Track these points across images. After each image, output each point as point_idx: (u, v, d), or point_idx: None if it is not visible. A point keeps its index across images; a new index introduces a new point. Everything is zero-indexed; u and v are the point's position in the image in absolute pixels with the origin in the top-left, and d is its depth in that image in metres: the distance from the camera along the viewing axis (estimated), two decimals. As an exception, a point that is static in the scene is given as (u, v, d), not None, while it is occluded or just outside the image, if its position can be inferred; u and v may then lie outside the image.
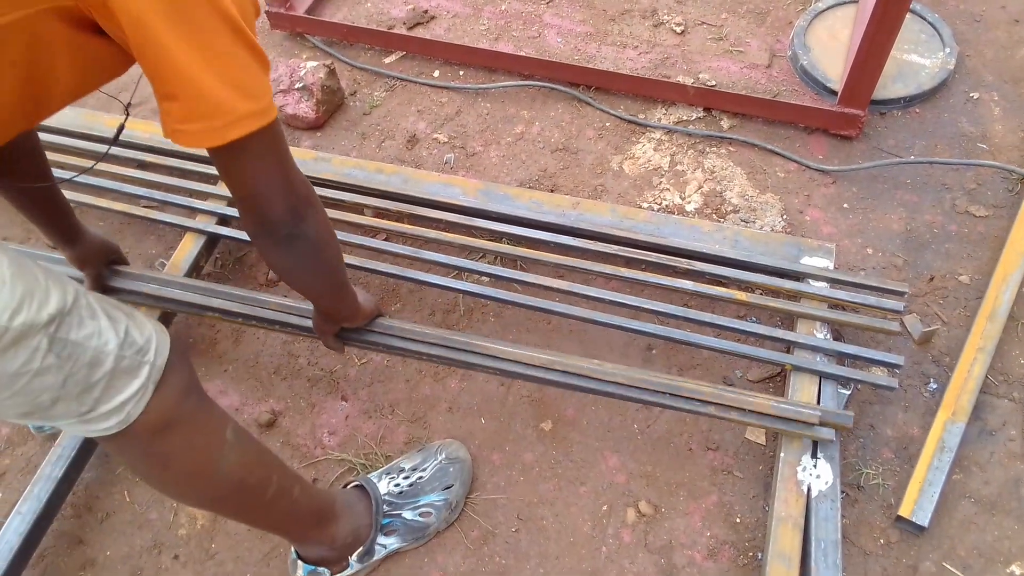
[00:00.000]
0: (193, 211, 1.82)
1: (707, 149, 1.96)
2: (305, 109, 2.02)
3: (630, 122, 2.02)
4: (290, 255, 1.05)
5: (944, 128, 1.94)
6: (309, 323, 1.48)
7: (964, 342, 1.58)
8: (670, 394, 1.43)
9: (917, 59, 2.03)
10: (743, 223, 1.81)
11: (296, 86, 2.03)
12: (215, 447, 1.09)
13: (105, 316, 0.96)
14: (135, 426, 0.97)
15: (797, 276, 1.63)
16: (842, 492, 1.44)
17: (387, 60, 2.23)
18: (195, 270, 1.76)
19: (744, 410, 1.41)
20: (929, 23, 2.09)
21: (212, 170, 1.83)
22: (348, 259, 1.72)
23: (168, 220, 1.81)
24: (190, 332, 1.74)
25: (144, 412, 0.97)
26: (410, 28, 2.29)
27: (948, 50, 2.03)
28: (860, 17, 1.98)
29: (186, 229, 1.79)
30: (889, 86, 1.98)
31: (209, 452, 1.08)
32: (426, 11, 2.32)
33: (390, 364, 1.68)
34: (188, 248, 1.75)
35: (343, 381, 1.66)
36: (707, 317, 1.59)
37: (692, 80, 2.08)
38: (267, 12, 2.25)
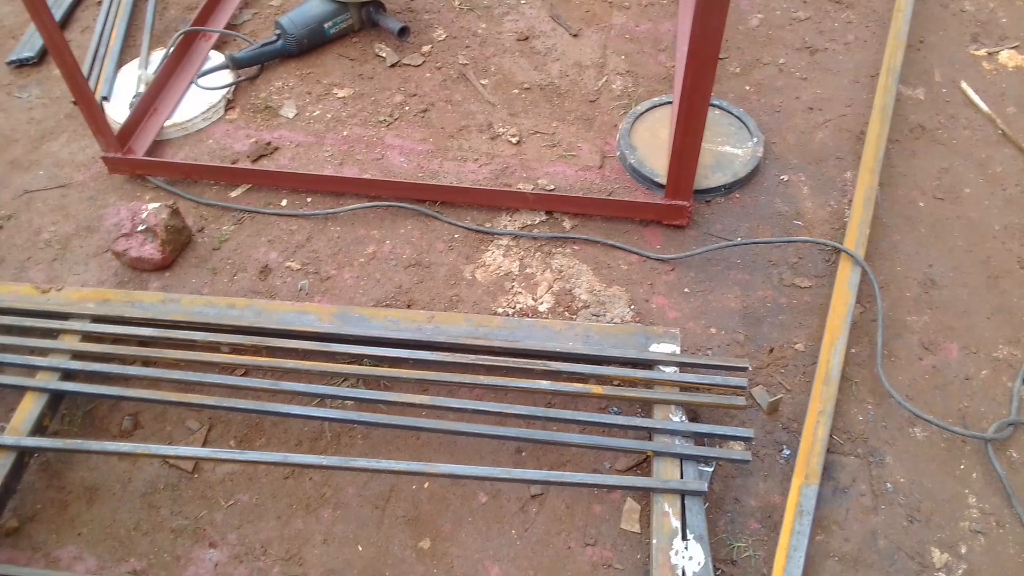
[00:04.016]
0: (33, 369, 1.73)
1: (553, 250, 2.06)
2: (150, 251, 1.99)
3: (478, 232, 2.10)
4: None
5: (762, 210, 2.12)
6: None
7: (807, 407, 1.69)
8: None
9: (730, 149, 2.23)
10: (594, 317, 1.90)
11: (139, 228, 1.99)
12: None
13: None
14: None
15: (648, 364, 1.71)
16: (716, 570, 1.48)
17: (233, 194, 2.23)
18: (39, 431, 1.66)
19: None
20: (736, 116, 2.31)
21: (54, 324, 1.75)
22: (206, 400, 1.67)
23: (3, 382, 1.71)
24: (36, 497, 1.62)
25: None
26: (254, 161, 2.31)
27: (756, 139, 2.24)
28: (673, 116, 2.16)
29: (25, 389, 1.70)
30: (710, 176, 2.16)
31: None
32: (269, 143, 2.36)
33: (259, 502, 1.62)
34: (28, 409, 1.66)
35: (210, 527, 1.59)
36: (569, 415, 1.63)
37: (532, 186, 2.20)
38: (104, 158, 2.22)
